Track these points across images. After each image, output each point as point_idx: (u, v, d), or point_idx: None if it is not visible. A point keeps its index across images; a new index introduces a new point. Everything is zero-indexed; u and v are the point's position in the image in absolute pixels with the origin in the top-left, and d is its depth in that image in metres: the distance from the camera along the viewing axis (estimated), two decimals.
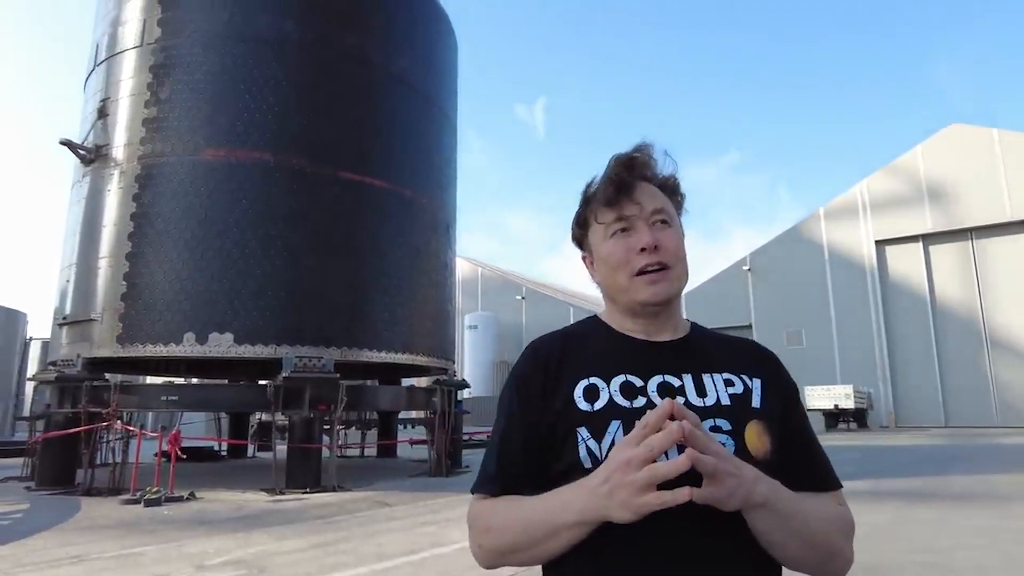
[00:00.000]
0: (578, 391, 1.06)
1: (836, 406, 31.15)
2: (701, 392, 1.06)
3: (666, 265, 1.08)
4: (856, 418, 32.27)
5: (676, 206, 1.16)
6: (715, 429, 1.01)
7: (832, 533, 1.01)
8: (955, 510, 7.90)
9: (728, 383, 1.08)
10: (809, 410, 31.21)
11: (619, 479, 0.88)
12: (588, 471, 0.98)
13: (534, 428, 1.06)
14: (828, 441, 22.60)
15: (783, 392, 1.13)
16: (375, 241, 12.47)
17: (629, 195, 1.11)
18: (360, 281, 12.15)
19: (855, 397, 31.01)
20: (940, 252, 34.90)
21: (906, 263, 35.55)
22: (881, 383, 34.95)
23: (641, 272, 1.08)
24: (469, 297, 50.14)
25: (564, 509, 0.95)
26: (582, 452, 1.01)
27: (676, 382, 1.06)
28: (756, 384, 1.10)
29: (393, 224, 12.78)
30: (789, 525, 0.95)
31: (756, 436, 1.03)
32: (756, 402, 1.07)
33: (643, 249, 1.08)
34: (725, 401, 1.06)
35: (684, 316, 1.20)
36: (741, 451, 1.00)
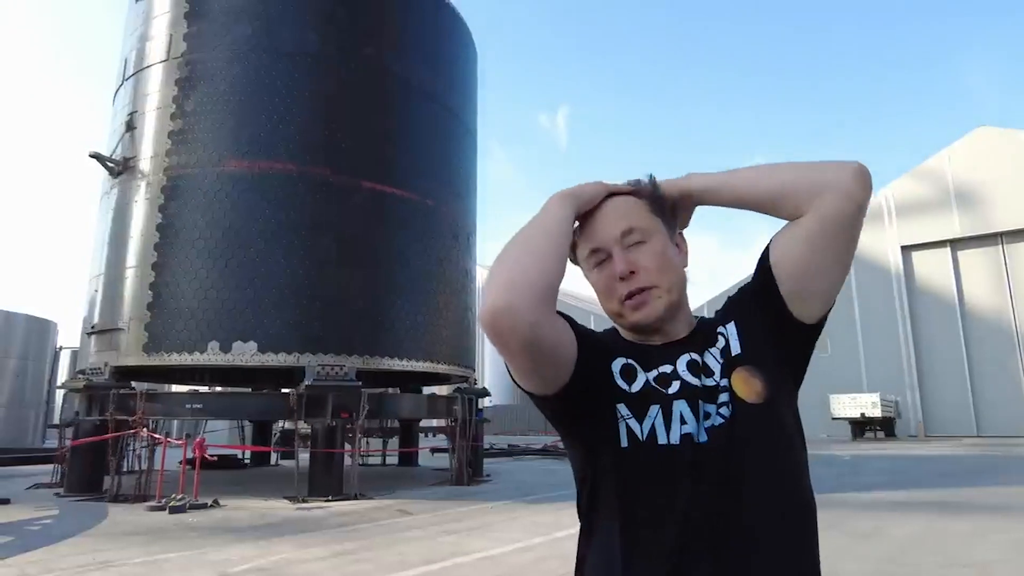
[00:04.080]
0: (616, 366, 1.07)
1: (863, 415, 30.55)
2: (708, 373, 1.07)
3: (647, 286, 1.07)
4: (883, 427, 31.59)
5: (656, 210, 1.13)
6: (723, 389, 1.04)
7: (795, 167, 1.10)
8: (991, 522, 7.68)
9: (721, 350, 1.09)
10: (834, 419, 30.76)
11: (584, 185, 1.12)
12: (625, 449, 1.01)
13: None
14: (855, 450, 22.16)
15: (746, 299, 1.15)
16: (397, 250, 12.54)
17: (595, 225, 1.11)
18: (382, 289, 12.21)
19: (882, 406, 30.36)
20: (969, 257, 34.20)
21: (934, 269, 34.87)
22: (909, 391, 34.22)
23: (628, 297, 1.09)
24: None
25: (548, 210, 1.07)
26: (622, 429, 1.02)
27: (700, 359, 1.08)
28: (731, 329, 1.11)
29: (414, 233, 12.85)
30: (730, 182, 1.12)
31: (743, 382, 1.04)
32: (736, 348, 1.09)
33: (622, 278, 1.08)
34: (715, 366, 1.07)
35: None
36: (735, 401, 1.02)
